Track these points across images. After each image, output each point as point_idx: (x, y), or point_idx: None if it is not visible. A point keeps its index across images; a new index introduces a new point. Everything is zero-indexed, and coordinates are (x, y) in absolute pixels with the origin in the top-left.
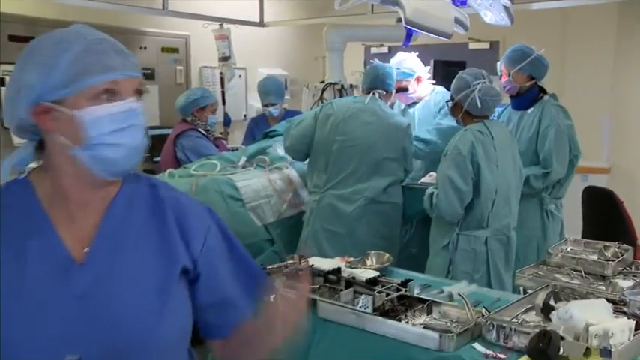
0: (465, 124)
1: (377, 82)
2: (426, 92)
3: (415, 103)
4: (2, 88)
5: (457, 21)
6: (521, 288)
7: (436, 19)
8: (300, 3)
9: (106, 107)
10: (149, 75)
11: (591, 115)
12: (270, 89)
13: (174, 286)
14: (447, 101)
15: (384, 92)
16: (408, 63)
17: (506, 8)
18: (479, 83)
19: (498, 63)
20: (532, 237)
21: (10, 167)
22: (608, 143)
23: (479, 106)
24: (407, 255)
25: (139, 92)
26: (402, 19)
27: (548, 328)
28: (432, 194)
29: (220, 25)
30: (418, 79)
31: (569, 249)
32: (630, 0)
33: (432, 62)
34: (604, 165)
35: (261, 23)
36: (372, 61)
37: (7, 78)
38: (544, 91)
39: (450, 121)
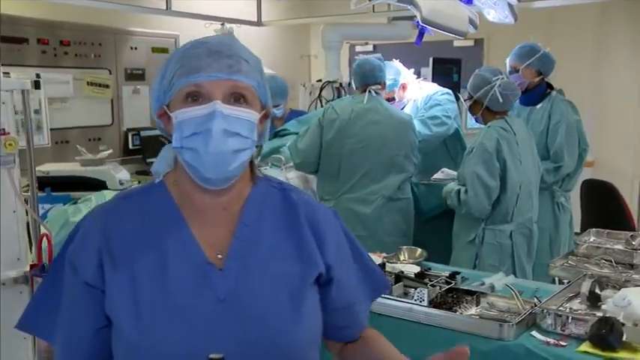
0: (485, 122)
1: (368, 78)
2: (416, 94)
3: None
4: None
5: (469, 19)
6: (556, 278)
7: (451, 17)
8: (288, 3)
9: (186, 110)
10: (139, 76)
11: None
12: (274, 91)
13: (309, 291)
14: (465, 100)
15: (379, 86)
16: (390, 74)
17: (510, 6)
18: (498, 79)
19: (507, 60)
20: (544, 229)
21: (163, 165)
22: (590, 137)
23: (500, 101)
24: None
25: (237, 95)
26: (418, 18)
27: (608, 315)
28: (458, 191)
29: (222, 24)
30: (403, 87)
31: (592, 239)
32: (611, 1)
33: (430, 60)
34: (588, 158)
35: (259, 23)
36: (356, 57)
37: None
38: (551, 87)
39: (435, 112)
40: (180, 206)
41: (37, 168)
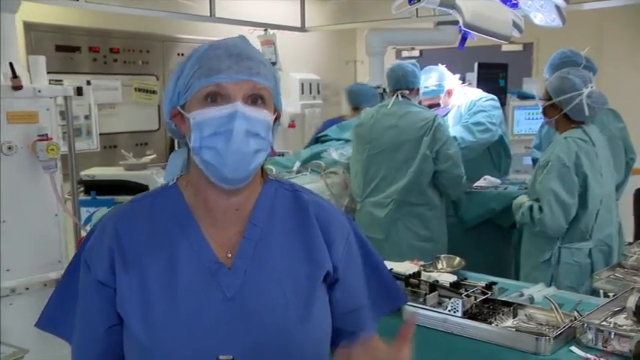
0: (559, 129)
1: (400, 84)
2: (460, 100)
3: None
4: None
5: (513, 23)
6: (601, 291)
7: (494, 21)
8: (334, 8)
9: (206, 111)
10: None
11: (629, 114)
12: (364, 95)
13: (318, 291)
14: (540, 99)
15: (407, 91)
16: (434, 80)
17: (558, 8)
18: (587, 88)
19: (544, 70)
20: None
21: (174, 171)
22: None
23: (586, 113)
24: None
25: (255, 97)
26: (461, 23)
27: None
28: (531, 207)
29: (265, 30)
30: (449, 93)
31: None
32: None
33: (475, 65)
34: (637, 165)
35: (302, 28)
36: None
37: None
38: None
39: (480, 118)
40: (192, 207)
41: (84, 172)
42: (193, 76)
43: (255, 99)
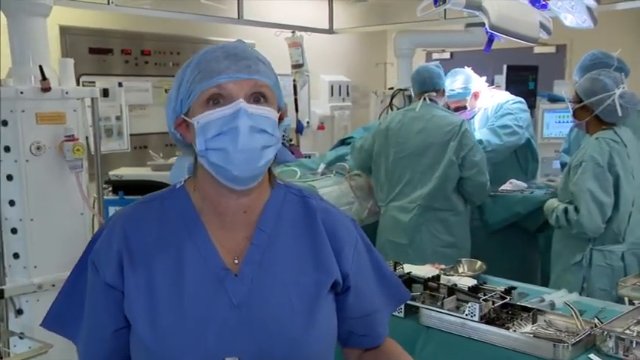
0: (590, 131)
1: (426, 86)
2: (487, 103)
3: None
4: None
5: (541, 25)
6: (626, 298)
7: (521, 23)
8: (363, 10)
9: (210, 113)
10: None
11: None
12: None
13: (324, 299)
14: (570, 101)
15: (435, 93)
16: (460, 82)
17: (589, 9)
18: (619, 89)
19: (574, 73)
20: None
21: (178, 175)
22: None
23: (619, 114)
24: None
25: (257, 95)
26: (486, 25)
27: None
28: (565, 209)
29: (293, 32)
30: (475, 95)
31: None
32: None
33: (504, 68)
34: None
35: (330, 30)
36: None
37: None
38: None
39: (506, 121)
40: (200, 211)
41: (113, 172)
42: (194, 81)
43: (257, 97)
